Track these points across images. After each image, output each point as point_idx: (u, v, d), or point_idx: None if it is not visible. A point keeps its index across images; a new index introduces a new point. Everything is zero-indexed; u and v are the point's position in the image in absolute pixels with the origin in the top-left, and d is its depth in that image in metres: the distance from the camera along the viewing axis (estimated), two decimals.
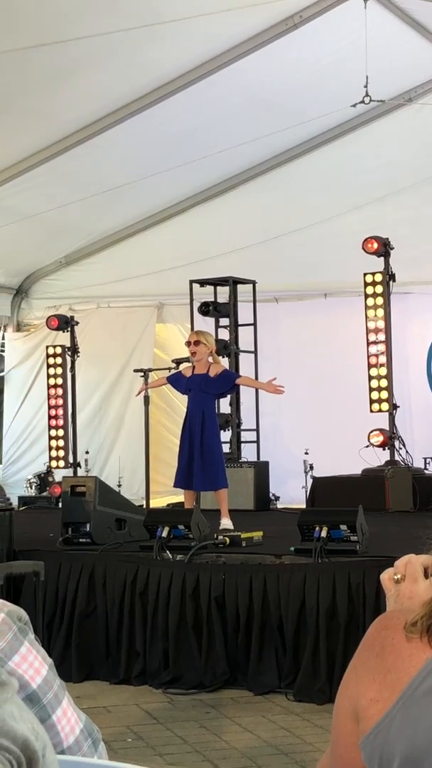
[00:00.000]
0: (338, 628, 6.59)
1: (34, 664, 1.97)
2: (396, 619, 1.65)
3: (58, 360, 13.11)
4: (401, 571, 1.80)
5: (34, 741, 1.31)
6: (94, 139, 11.61)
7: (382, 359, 11.48)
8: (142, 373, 9.78)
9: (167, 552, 7.31)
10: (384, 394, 11.44)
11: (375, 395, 11.49)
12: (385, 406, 11.43)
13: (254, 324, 13.04)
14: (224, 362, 12.64)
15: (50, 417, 13.16)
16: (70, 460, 12.96)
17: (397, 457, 11.42)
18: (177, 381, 9.14)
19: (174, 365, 9.63)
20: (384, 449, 11.45)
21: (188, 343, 9.12)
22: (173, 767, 5.07)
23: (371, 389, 11.50)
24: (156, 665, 7.02)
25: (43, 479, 13.34)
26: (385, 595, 1.81)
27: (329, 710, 6.26)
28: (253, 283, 12.93)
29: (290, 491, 12.30)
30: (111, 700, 6.63)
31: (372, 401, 11.48)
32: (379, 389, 11.48)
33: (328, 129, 12.51)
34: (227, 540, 7.52)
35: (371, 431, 11.38)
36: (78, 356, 12.97)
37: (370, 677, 1.63)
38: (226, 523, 8.60)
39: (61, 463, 12.98)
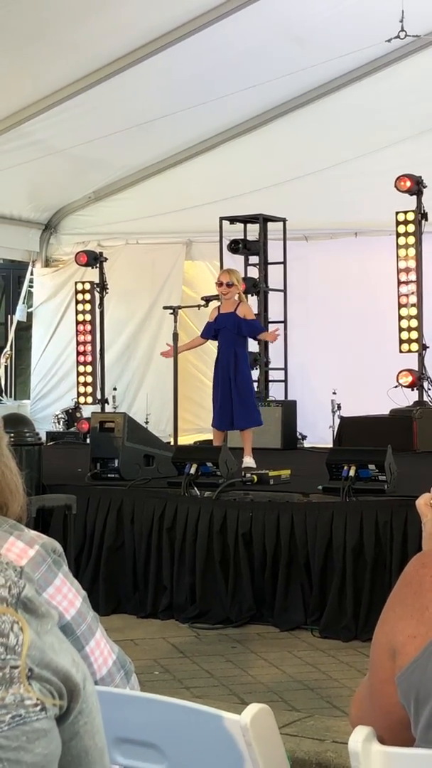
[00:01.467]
0: (365, 566, 6.61)
1: (68, 596, 1.98)
2: None
3: (87, 296, 13.09)
4: None
5: (75, 673, 1.32)
6: (125, 73, 11.49)
7: (413, 299, 11.40)
8: (171, 311, 9.75)
9: (195, 489, 7.34)
10: (414, 335, 11.38)
11: (405, 335, 11.43)
12: (414, 346, 11.38)
13: (284, 262, 12.96)
14: (252, 301, 12.62)
15: (78, 353, 13.18)
16: (98, 396, 13.00)
17: (425, 398, 11.39)
18: (208, 331, 9.10)
19: (203, 303, 9.59)
20: (412, 390, 11.41)
21: (219, 284, 9.05)
22: (200, 700, 5.12)
23: (401, 329, 11.44)
24: (183, 600, 7.08)
25: (71, 415, 13.39)
26: (421, 521, 1.80)
27: (355, 647, 6.34)
28: (284, 220, 12.83)
29: (317, 431, 12.30)
30: (138, 634, 6.70)
31: (401, 341, 11.43)
32: (409, 329, 11.41)
33: (362, 65, 12.34)
34: (255, 478, 7.55)
35: (400, 371, 11.34)
36: (107, 293, 12.95)
37: (408, 614, 1.63)
38: (248, 461, 8.62)
39: (89, 399, 13.02)
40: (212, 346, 9.57)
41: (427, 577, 1.63)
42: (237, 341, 8.90)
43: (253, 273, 12.87)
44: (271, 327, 12.65)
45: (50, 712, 1.28)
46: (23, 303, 15.21)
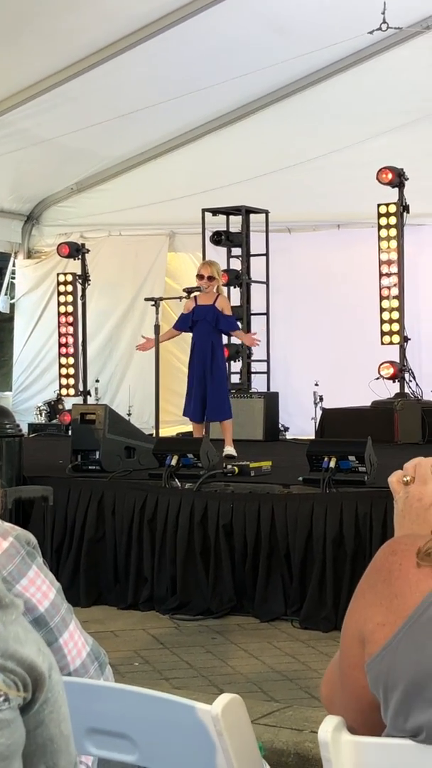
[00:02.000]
0: (345, 557, 6.63)
1: (42, 587, 1.98)
2: (404, 544, 1.66)
3: (69, 288, 13.07)
4: (410, 473, 1.80)
5: (40, 663, 1.32)
6: (107, 63, 11.46)
7: (395, 291, 11.43)
8: (153, 302, 9.73)
9: (176, 480, 7.34)
10: (395, 327, 11.41)
11: (386, 327, 11.45)
12: (396, 338, 11.40)
13: (266, 254, 12.96)
14: (235, 293, 12.62)
15: (60, 345, 13.16)
16: (80, 388, 12.98)
17: (406, 390, 11.42)
18: (183, 323, 9.11)
19: (185, 294, 9.58)
20: (394, 382, 11.44)
21: (201, 277, 9.06)
22: (179, 691, 5.13)
23: (383, 321, 11.46)
24: (163, 591, 7.09)
25: (53, 407, 13.38)
26: (394, 498, 1.81)
27: (334, 638, 6.34)
28: (266, 212, 12.83)
29: (299, 422, 12.32)
30: (118, 625, 6.70)
31: (383, 333, 11.45)
32: (391, 321, 11.44)
33: (343, 56, 12.34)
34: (236, 469, 7.56)
35: (382, 363, 11.36)
36: (89, 284, 12.93)
37: (377, 602, 1.63)
38: (229, 450, 8.68)
39: (71, 391, 13.01)
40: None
41: (396, 564, 1.63)
42: (214, 333, 8.92)
43: (236, 265, 12.87)
44: (254, 321, 12.70)
45: (14, 703, 1.28)
46: (5, 294, 15.16)
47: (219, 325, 8.87)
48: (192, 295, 9.23)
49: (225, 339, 10.28)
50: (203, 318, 8.86)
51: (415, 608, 1.58)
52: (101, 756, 1.98)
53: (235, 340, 12.27)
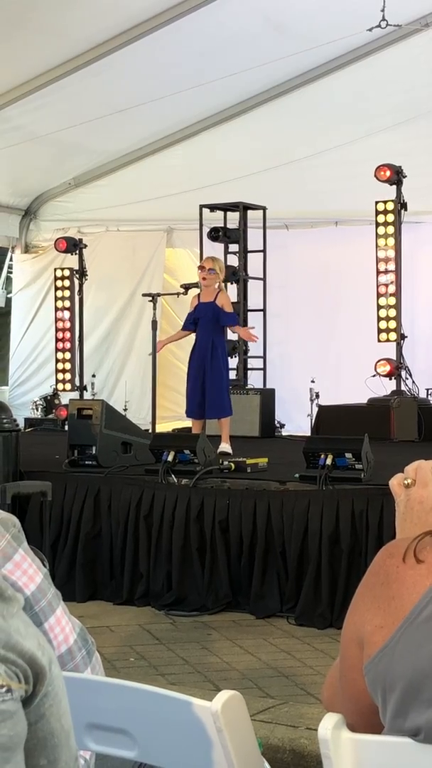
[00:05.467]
0: (341, 554, 6.64)
1: (28, 571, 1.98)
2: (401, 547, 1.67)
3: (66, 283, 13.05)
4: (411, 476, 1.80)
5: (41, 656, 1.33)
6: (105, 59, 11.46)
7: (392, 289, 11.43)
8: (150, 298, 9.74)
9: (172, 476, 7.35)
10: (392, 324, 11.42)
11: (383, 325, 11.45)
12: (393, 335, 11.41)
13: (264, 251, 12.96)
14: (232, 289, 12.62)
15: (57, 340, 13.14)
16: (77, 383, 12.98)
17: (403, 387, 11.43)
18: (188, 322, 9.11)
19: (182, 290, 9.59)
20: (390, 379, 11.45)
21: (201, 268, 9.06)
22: (174, 686, 5.14)
23: (380, 319, 11.47)
24: (159, 587, 7.10)
25: (50, 402, 13.38)
26: (395, 501, 1.81)
27: (330, 634, 6.36)
28: (264, 209, 12.83)
29: (296, 419, 12.34)
30: (114, 620, 6.71)
31: (380, 331, 11.46)
32: (388, 319, 11.44)
33: (342, 53, 12.34)
34: (232, 465, 7.56)
35: (378, 361, 11.37)
36: (86, 279, 12.92)
37: (375, 604, 1.64)
38: (225, 447, 8.69)
39: (68, 386, 13.00)
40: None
41: (394, 567, 1.64)
42: (215, 331, 8.91)
43: (233, 261, 12.86)
44: (251, 318, 12.70)
45: (16, 695, 1.29)
46: (2, 289, 15.15)
47: (219, 320, 8.87)
48: (192, 291, 9.23)
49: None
50: (204, 315, 8.87)
51: (411, 609, 1.59)
52: (100, 751, 1.99)
53: (233, 336, 12.28)
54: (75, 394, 12.62)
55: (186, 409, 9.03)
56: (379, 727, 1.66)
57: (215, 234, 12.72)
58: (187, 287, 9.52)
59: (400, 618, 1.60)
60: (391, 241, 11.41)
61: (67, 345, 13.04)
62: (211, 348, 8.82)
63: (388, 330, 11.44)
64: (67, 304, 13.04)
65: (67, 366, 13.04)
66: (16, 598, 1.34)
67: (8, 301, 15.19)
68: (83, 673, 2.07)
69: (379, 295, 11.48)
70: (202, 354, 8.86)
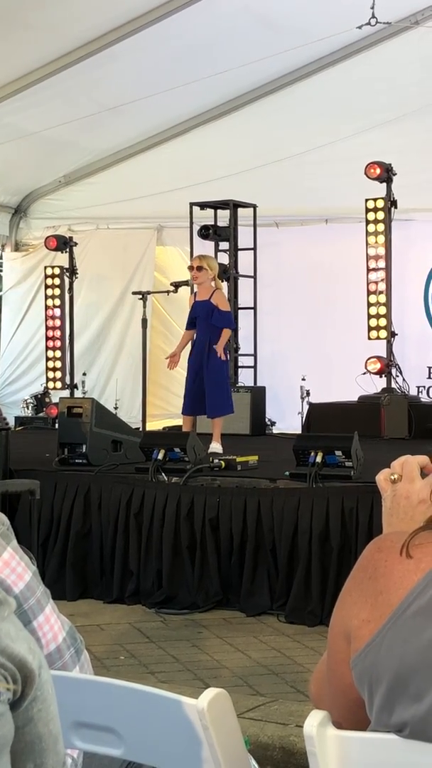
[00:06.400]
0: (331, 552, 6.65)
1: (16, 569, 1.97)
2: (390, 541, 1.66)
3: (57, 281, 13.04)
4: (398, 471, 1.80)
5: (31, 660, 1.33)
6: (96, 57, 11.44)
7: (382, 286, 11.44)
8: (141, 296, 9.74)
9: (162, 474, 7.35)
10: (382, 322, 11.42)
11: (373, 322, 11.46)
12: (383, 333, 11.42)
13: (254, 248, 12.96)
14: (224, 287, 12.60)
15: (48, 338, 13.13)
16: (67, 381, 12.96)
17: (393, 385, 11.44)
18: (189, 322, 9.10)
19: (172, 288, 9.59)
20: (381, 377, 11.45)
21: (190, 268, 9.08)
22: (165, 685, 5.14)
23: (370, 316, 11.47)
24: (149, 585, 7.09)
25: (40, 400, 13.36)
26: (381, 496, 1.81)
27: (320, 632, 6.36)
28: (254, 206, 12.82)
29: (287, 417, 12.34)
30: (104, 619, 6.71)
31: (370, 328, 11.46)
32: (378, 316, 11.45)
33: (332, 51, 12.33)
34: (222, 463, 7.56)
35: (369, 358, 11.38)
36: (76, 277, 12.90)
37: (363, 599, 1.64)
38: (215, 446, 8.67)
39: (59, 385, 12.99)
40: (182, 330, 9.58)
41: (382, 561, 1.64)
42: (212, 329, 8.90)
43: (224, 259, 12.85)
44: (241, 316, 12.69)
45: (4, 696, 1.29)
46: None
47: (212, 319, 8.86)
48: (183, 290, 9.24)
49: None
50: (200, 314, 8.87)
51: (399, 604, 1.59)
52: (87, 749, 1.98)
53: None
54: (66, 393, 12.61)
55: (184, 406, 9.05)
56: (366, 723, 1.66)
57: (205, 232, 12.71)
58: (177, 285, 9.52)
59: (387, 612, 1.60)
60: (381, 238, 11.41)
61: (58, 343, 13.03)
62: (208, 347, 8.81)
63: (378, 327, 11.45)
64: (58, 302, 13.03)
65: (58, 364, 13.03)
66: (8, 602, 1.34)
67: None
68: (71, 672, 2.07)
69: (369, 293, 11.48)
70: (199, 352, 8.87)
